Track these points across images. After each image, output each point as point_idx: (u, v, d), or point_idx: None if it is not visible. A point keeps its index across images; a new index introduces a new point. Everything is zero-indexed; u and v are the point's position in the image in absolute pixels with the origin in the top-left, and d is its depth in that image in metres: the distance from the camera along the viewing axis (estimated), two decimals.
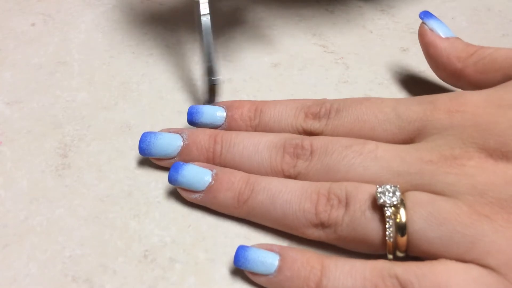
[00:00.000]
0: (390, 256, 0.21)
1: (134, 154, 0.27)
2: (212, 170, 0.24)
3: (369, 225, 0.21)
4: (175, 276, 0.22)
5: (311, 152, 0.24)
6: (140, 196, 0.25)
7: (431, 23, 0.28)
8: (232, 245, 0.23)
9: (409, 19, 0.35)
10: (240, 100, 0.28)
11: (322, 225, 0.22)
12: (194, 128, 0.27)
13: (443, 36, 0.28)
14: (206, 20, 0.27)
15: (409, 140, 0.24)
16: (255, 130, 0.26)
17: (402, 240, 0.21)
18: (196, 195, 0.24)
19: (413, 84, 0.31)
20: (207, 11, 0.27)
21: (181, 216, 0.25)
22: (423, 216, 0.20)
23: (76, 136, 0.28)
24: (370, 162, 0.23)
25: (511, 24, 0.35)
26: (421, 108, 0.24)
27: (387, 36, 0.34)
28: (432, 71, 0.29)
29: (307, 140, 0.24)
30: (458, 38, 0.28)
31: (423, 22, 0.28)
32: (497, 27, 0.35)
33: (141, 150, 0.26)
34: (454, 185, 0.21)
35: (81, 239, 0.24)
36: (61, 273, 0.23)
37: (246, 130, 0.26)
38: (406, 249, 0.21)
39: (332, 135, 0.25)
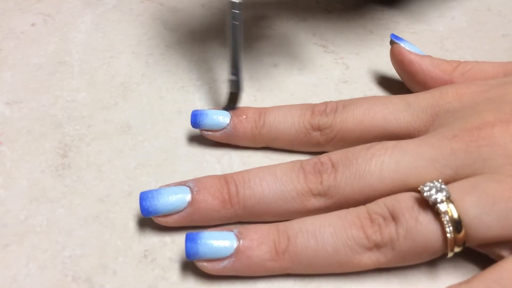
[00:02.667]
0: (451, 254, 0.20)
1: (134, 154, 0.27)
2: (232, 230, 0.22)
3: (428, 229, 0.20)
4: (175, 276, 0.22)
5: (333, 165, 0.23)
6: None
7: (404, 44, 0.28)
8: None
9: (409, 19, 0.35)
10: (244, 106, 0.28)
11: (377, 246, 0.21)
12: (196, 177, 0.24)
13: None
14: (236, 27, 0.26)
15: (423, 129, 0.24)
16: (260, 132, 0.26)
17: (461, 234, 0.20)
18: (225, 262, 0.21)
19: None
20: (238, 20, 0.26)
21: None
22: (473, 202, 0.20)
23: (76, 136, 0.28)
24: (399, 154, 0.22)
25: (511, 24, 0.35)
26: (429, 94, 0.24)
27: (387, 36, 0.34)
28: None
29: (323, 157, 0.23)
30: (430, 56, 0.28)
31: (396, 43, 0.28)
32: (497, 27, 0.35)
33: (145, 209, 0.22)
34: (491, 158, 0.21)
35: (81, 239, 0.24)
36: (61, 273, 0.23)
37: (251, 132, 0.26)
38: (465, 242, 0.20)
39: (341, 128, 0.25)
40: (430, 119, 0.24)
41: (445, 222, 0.20)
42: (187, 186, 0.23)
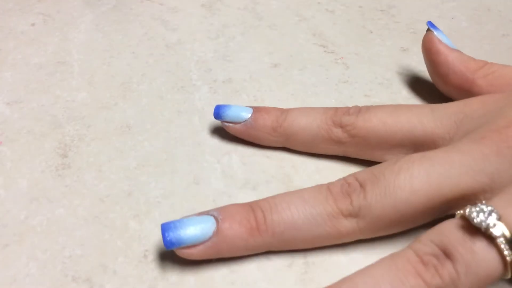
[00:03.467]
0: (509, 276, 0.19)
1: (134, 154, 0.27)
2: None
3: (486, 258, 0.19)
4: (175, 276, 0.22)
5: (360, 184, 0.22)
6: (140, 196, 0.25)
7: (437, 34, 0.28)
8: None
9: (409, 19, 0.35)
10: (266, 106, 0.28)
11: None
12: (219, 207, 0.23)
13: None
14: None
15: (447, 136, 0.23)
16: (281, 125, 0.26)
17: None
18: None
19: (413, 84, 0.31)
20: None
21: (180, 216, 0.24)
22: None
23: (76, 136, 0.28)
24: (428, 164, 0.21)
25: (511, 24, 0.35)
26: (453, 103, 0.24)
27: (387, 36, 0.34)
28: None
29: (349, 177, 0.22)
30: (461, 51, 0.28)
31: (430, 30, 0.28)
32: (497, 27, 0.35)
33: (167, 241, 0.21)
34: None
35: (81, 239, 0.24)
36: (61, 273, 0.22)
37: (271, 124, 0.26)
38: None
39: (364, 125, 0.24)
40: (454, 126, 0.23)
41: (502, 246, 0.18)
42: (211, 215, 0.22)
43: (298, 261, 0.23)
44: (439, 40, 0.28)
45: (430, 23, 0.28)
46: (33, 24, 0.35)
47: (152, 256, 0.23)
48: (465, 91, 0.27)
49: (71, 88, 0.31)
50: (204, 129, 0.28)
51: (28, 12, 0.36)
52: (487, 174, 0.21)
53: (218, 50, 0.33)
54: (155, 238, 0.24)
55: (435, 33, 0.28)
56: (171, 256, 0.23)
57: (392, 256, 0.20)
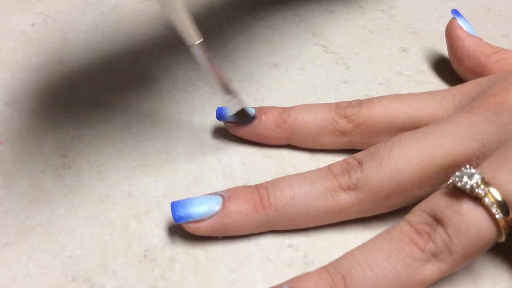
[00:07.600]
0: (503, 237, 0.20)
1: (134, 154, 0.27)
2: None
3: (475, 217, 0.19)
4: (175, 276, 0.22)
5: (358, 162, 0.23)
6: (140, 196, 0.25)
7: (460, 21, 0.29)
8: (232, 245, 0.23)
9: (409, 19, 0.35)
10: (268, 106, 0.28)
11: (434, 255, 0.20)
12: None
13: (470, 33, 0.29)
14: (210, 58, 0.25)
15: (446, 117, 0.24)
16: (286, 121, 0.26)
17: (510, 213, 0.19)
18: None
19: (414, 85, 0.31)
20: (207, 51, 0.25)
21: None
22: (509, 177, 0.19)
23: (76, 136, 0.28)
24: (421, 136, 0.22)
25: (511, 24, 0.35)
26: (452, 87, 0.25)
27: (387, 36, 0.34)
28: (434, 72, 0.30)
29: (348, 158, 0.24)
30: (481, 38, 0.29)
31: (454, 18, 0.30)
32: (497, 27, 0.35)
33: (176, 215, 0.22)
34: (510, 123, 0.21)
35: (81, 239, 0.24)
36: (61, 273, 0.23)
37: (275, 121, 0.26)
38: None
39: (368, 113, 0.25)
40: (452, 107, 0.24)
41: (489, 204, 0.19)
42: (218, 194, 0.23)
43: (298, 261, 0.23)
44: (459, 26, 0.29)
45: (454, 11, 0.30)
46: (33, 24, 0.35)
47: (152, 256, 0.23)
48: (477, 74, 0.28)
49: (71, 88, 0.31)
50: (204, 129, 0.28)
51: (28, 12, 0.36)
52: (476, 139, 0.22)
53: (218, 50, 0.33)
54: (155, 238, 0.24)
55: (458, 20, 0.29)
56: (171, 256, 0.23)
57: (387, 230, 0.21)
